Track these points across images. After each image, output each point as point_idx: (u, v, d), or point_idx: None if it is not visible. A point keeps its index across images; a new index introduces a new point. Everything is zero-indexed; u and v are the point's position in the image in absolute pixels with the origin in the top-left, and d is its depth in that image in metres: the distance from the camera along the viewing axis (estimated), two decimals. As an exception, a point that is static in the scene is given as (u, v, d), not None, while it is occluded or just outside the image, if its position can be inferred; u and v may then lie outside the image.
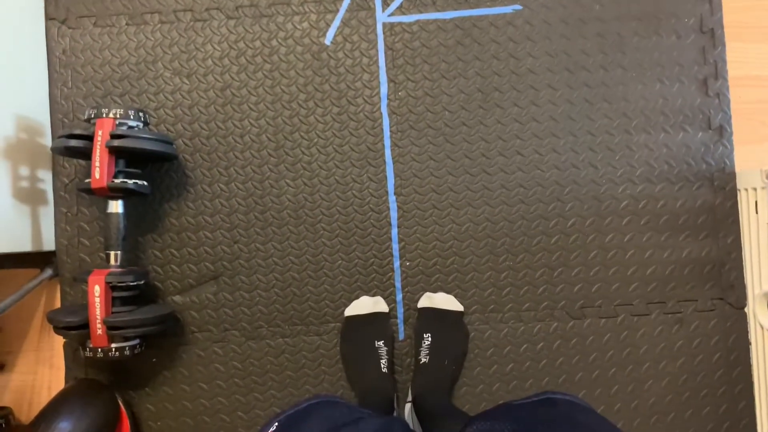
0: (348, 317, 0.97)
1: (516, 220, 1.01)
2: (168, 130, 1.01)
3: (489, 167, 1.01)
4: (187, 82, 1.01)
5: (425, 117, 1.01)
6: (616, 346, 0.99)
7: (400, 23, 1.02)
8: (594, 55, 1.01)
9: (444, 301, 0.98)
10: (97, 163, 0.86)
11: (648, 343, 0.99)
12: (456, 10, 1.02)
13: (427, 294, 0.99)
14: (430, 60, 1.02)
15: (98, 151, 0.86)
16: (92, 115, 0.88)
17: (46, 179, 0.99)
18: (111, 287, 0.86)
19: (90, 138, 0.86)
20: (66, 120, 1.01)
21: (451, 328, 0.96)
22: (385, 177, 1.01)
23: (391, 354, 0.95)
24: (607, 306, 1.00)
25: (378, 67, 1.01)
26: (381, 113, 1.01)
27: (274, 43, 1.02)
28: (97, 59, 1.01)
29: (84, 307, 0.86)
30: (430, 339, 0.95)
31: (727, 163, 1.01)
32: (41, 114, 0.99)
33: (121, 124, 0.88)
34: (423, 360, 0.94)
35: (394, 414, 0.87)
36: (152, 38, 1.01)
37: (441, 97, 1.01)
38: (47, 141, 0.99)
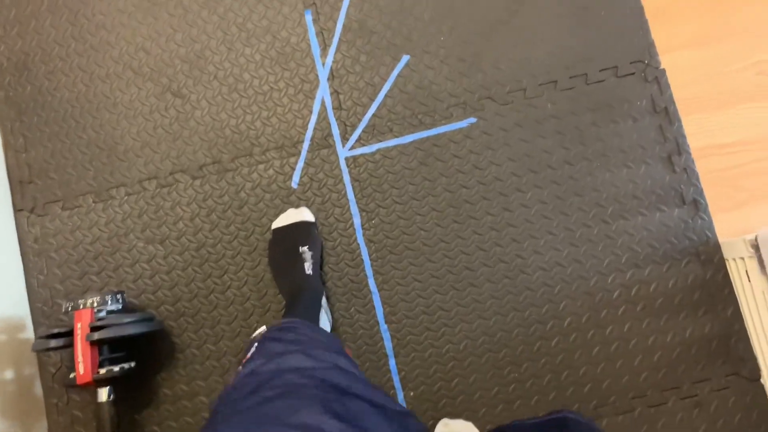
0: (274, 229, 1.02)
1: (512, 328, 1.02)
2: (149, 299, 1.03)
3: (475, 279, 1.03)
4: (161, 248, 1.05)
5: (402, 240, 1.05)
6: (639, 441, 0.99)
7: (362, 155, 1.07)
8: (556, 152, 1.06)
9: (462, 428, 0.98)
10: (80, 359, 0.88)
11: (671, 434, 0.99)
12: (413, 133, 1.07)
13: (444, 420, 0.99)
14: (397, 184, 1.06)
15: (80, 346, 0.88)
16: (69, 308, 0.90)
17: (32, 373, 1.00)
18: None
19: (70, 333, 0.89)
20: (45, 308, 1.03)
21: None
22: (373, 307, 1.03)
23: (317, 258, 0.99)
24: (622, 401, 1.00)
25: (348, 200, 1.06)
26: (358, 244, 1.05)
27: (242, 195, 1.06)
28: (69, 241, 1.05)
29: None
30: None
31: (709, 235, 1.04)
32: (20, 307, 1.01)
33: (99, 311, 0.91)
34: None
35: (321, 311, 0.94)
36: (120, 211, 1.05)
37: (414, 218, 1.05)
38: (29, 334, 1.01)
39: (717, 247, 1.03)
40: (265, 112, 1.08)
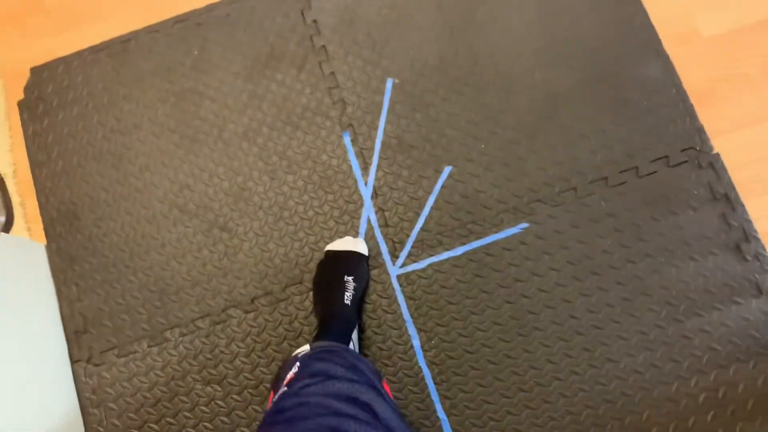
0: (327, 251, 1.04)
1: (594, 446, 0.97)
2: (211, 445, 1.02)
3: (548, 396, 1.00)
4: (219, 388, 1.04)
5: (466, 359, 1.02)
6: None
7: (413, 271, 1.06)
8: (616, 251, 1.04)
9: None
10: None
11: None
12: (464, 244, 1.06)
13: None
14: (454, 299, 1.04)
15: None
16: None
17: None
18: None
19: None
20: (108, 462, 1.02)
21: None
22: (443, 434, 1.00)
23: (359, 291, 1.00)
24: None
25: (404, 320, 1.04)
26: (420, 367, 1.02)
27: (296, 324, 1.05)
28: (127, 390, 1.05)
29: None
30: None
31: (794, 324, 0.99)
32: (83, 466, 1.01)
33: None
34: None
35: (350, 345, 0.93)
36: (176, 353, 1.06)
37: (476, 335, 1.03)
38: (93, 494, 1.00)
39: (805, 338, 0.98)
40: (312, 237, 1.08)
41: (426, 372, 1.02)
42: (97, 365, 1.06)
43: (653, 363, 0.99)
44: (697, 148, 1.06)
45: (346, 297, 0.98)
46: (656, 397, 0.98)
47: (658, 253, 1.03)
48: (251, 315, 1.06)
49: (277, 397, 0.57)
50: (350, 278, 1.00)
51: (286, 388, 0.58)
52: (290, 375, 0.62)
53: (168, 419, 1.03)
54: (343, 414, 0.50)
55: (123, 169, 1.14)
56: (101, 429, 1.04)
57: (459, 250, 1.06)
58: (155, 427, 1.03)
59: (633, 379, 0.99)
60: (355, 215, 1.09)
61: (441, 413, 1.00)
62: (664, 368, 0.99)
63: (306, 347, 0.71)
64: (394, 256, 1.07)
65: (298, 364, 0.64)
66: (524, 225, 1.06)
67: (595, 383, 0.99)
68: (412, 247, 1.07)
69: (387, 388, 0.69)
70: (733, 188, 1.04)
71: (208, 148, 1.13)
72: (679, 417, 0.97)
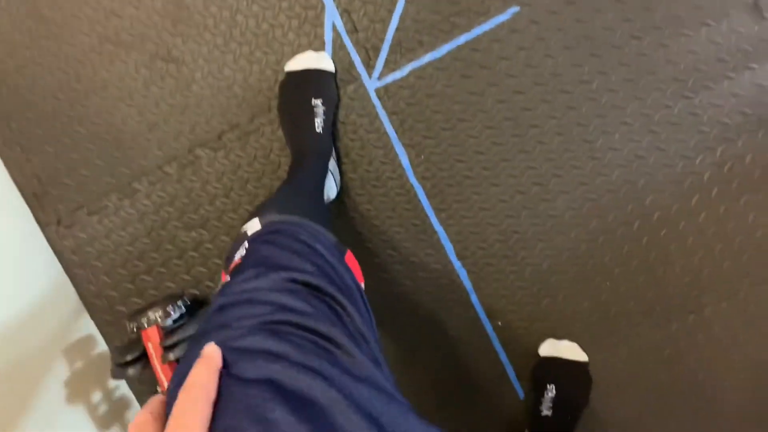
0: (288, 72, 0.94)
1: (596, 237, 0.97)
2: (209, 287, 1.01)
3: (547, 194, 0.97)
4: (205, 231, 1.00)
5: (458, 170, 0.97)
6: (742, 323, 0.97)
7: (393, 82, 0.96)
8: (619, 27, 0.92)
9: (569, 349, 0.98)
10: (162, 378, 0.88)
11: (781, 310, 0.97)
12: (448, 41, 0.94)
13: (551, 341, 0.99)
14: (441, 107, 0.96)
15: (158, 368, 0.88)
16: (134, 329, 0.89)
17: (123, 393, 1.03)
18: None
19: (144, 355, 0.88)
20: (108, 317, 1.03)
21: (576, 381, 0.97)
22: (443, 246, 0.99)
23: (330, 115, 0.93)
24: (724, 287, 0.97)
25: (389, 138, 0.97)
26: (411, 184, 0.98)
27: (272, 157, 0.98)
28: (108, 246, 1.01)
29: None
30: (554, 391, 0.96)
31: (811, 85, 0.92)
32: (83, 324, 1.01)
33: (165, 326, 0.89)
34: (545, 412, 0.96)
35: (329, 175, 0.89)
36: (150, 203, 1.00)
37: (468, 142, 0.96)
38: (102, 347, 1.02)
39: (821, 99, 0.92)
40: (272, 57, 0.96)
41: (418, 188, 0.98)
42: (68, 226, 1.01)
43: (658, 146, 0.95)
44: None
45: (316, 124, 0.89)
46: (660, 181, 0.95)
47: (665, 24, 0.92)
48: (221, 153, 0.98)
49: (220, 287, 0.51)
50: (318, 101, 0.90)
51: (229, 278, 0.52)
52: (236, 260, 0.55)
53: (159, 269, 1.01)
54: (280, 321, 0.43)
55: (31, 2, 0.96)
56: (92, 287, 1.02)
57: (442, 50, 0.94)
58: (147, 278, 1.02)
59: (636, 165, 0.95)
60: (317, 23, 0.95)
61: (437, 226, 0.98)
62: (669, 150, 0.95)
63: (255, 223, 0.62)
64: (370, 67, 0.95)
65: (246, 246, 0.57)
66: (514, 9, 0.93)
67: (597, 175, 0.96)
68: (389, 53, 0.95)
69: (353, 262, 0.62)
70: (757, -69, 0.89)
71: (127, -39, 0.94)
72: (683, 197, 0.96)
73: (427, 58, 0.94)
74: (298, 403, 0.35)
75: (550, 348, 0.98)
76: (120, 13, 0.95)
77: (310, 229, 0.60)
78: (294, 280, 0.49)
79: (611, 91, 0.94)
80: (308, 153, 0.89)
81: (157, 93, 0.97)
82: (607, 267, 0.98)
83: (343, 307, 0.50)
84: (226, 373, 0.37)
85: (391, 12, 0.94)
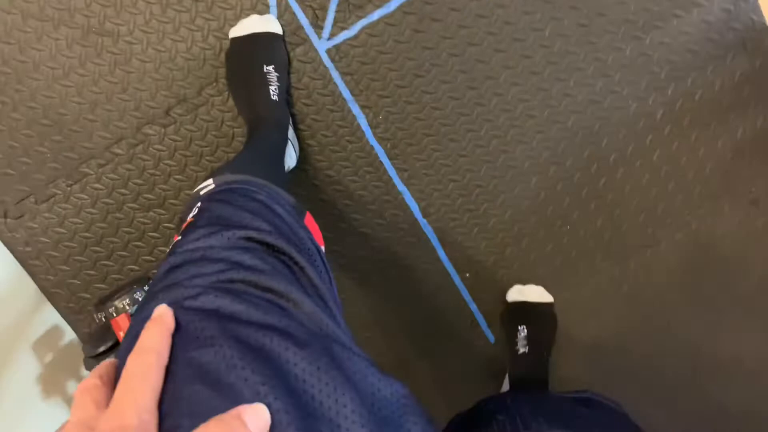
0: (233, 38, 0.89)
1: (555, 183, 1.00)
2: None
3: (506, 145, 0.98)
4: (164, 211, 0.98)
5: (417, 127, 0.97)
6: (695, 252, 1.03)
7: (344, 41, 0.93)
8: (568, -30, 0.91)
9: (535, 293, 1.01)
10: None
11: (731, 239, 1.02)
12: (397, -5, 0.91)
13: (517, 287, 1.02)
14: (395, 64, 0.94)
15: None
16: (102, 318, 0.88)
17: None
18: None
19: (117, 344, 0.88)
20: (72, 305, 1.01)
21: (544, 320, 1.01)
22: (407, 206, 1.00)
23: (284, 81, 0.89)
24: (678, 220, 1.02)
25: (344, 100, 0.95)
26: (372, 145, 0.97)
27: (225, 129, 0.95)
28: (63, 234, 0.98)
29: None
30: (525, 331, 1.00)
31: (755, 18, 0.94)
32: (49, 316, 0.99)
33: (134, 314, 0.88)
34: (522, 350, 1.01)
35: (288, 144, 0.87)
36: (102, 186, 0.97)
37: (424, 99, 0.95)
38: (71, 336, 1.01)
39: (764, 31, 0.94)
40: (214, 23, 0.91)
41: (378, 149, 0.97)
42: (17, 218, 0.97)
43: (611, 89, 0.96)
44: None
45: (271, 92, 0.86)
46: (615, 123, 0.97)
47: (615, -37, 0.91)
48: (171, 128, 0.95)
49: (171, 247, 0.49)
50: (270, 67, 0.87)
51: (179, 237, 0.49)
52: (189, 219, 0.52)
53: (119, 253, 0.99)
54: (234, 279, 0.42)
55: (-61, -23, 0.88)
56: (51, 277, 1.00)
57: (392, 5, 0.91)
58: (108, 263, 1.00)
59: (591, 110, 0.97)
60: (259, -17, 0.90)
61: (400, 186, 0.99)
62: (623, 92, 0.96)
63: (210, 183, 0.59)
64: (318, 27, 0.92)
65: (198, 205, 0.53)
66: (462, -43, 0.90)
67: (553, 122, 0.97)
68: (337, 11, 0.92)
69: (313, 224, 0.59)
70: None
71: (41, -75, 0.86)
72: (637, 137, 0.98)
73: (378, 14, 0.91)
74: (255, 361, 0.34)
75: (516, 294, 1.02)
76: (41, -16, 0.88)
77: (267, 189, 0.58)
78: (249, 239, 0.47)
79: (563, 36, 0.94)
80: (265, 122, 0.86)
81: (95, 70, 0.92)
82: (567, 211, 1.01)
83: (301, 267, 0.48)
84: (178, 334, 0.36)
85: (335, -33, 0.90)
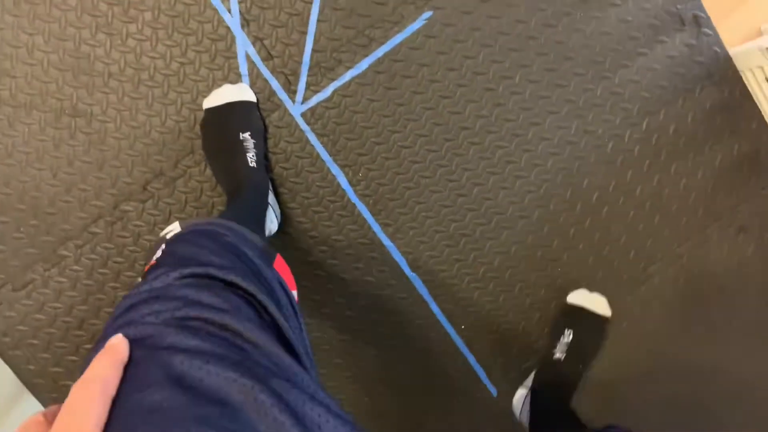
0: (207, 109, 0.90)
1: (541, 226, 1.00)
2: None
3: (488, 192, 0.98)
4: (146, 288, 0.96)
5: (398, 182, 0.97)
6: (689, 284, 1.02)
7: (318, 104, 0.94)
8: (532, 17, 0.94)
9: (597, 302, 0.98)
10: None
11: (721, 267, 1.02)
12: (367, 56, 0.93)
13: (582, 290, 0.99)
14: (370, 122, 0.95)
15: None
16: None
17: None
18: None
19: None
20: (54, 396, 0.97)
21: (594, 332, 0.97)
22: (394, 260, 0.99)
23: (261, 147, 0.90)
24: (668, 254, 1.02)
25: (323, 161, 0.95)
26: (353, 203, 0.97)
27: (204, 198, 0.95)
28: (42, 321, 0.96)
29: None
30: (570, 336, 0.96)
31: (718, 50, 0.97)
32: (30, 408, 0.96)
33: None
34: (557, 355, 0.96)
35: (269, 207, 0.87)
36: (81, 267, 0.95)
37: (402, 153, 0.96)
38: (54, 428, 0.97)
39: (729, 61, 0.97)
40: (187, 95, 0.92)
41: (361, 206, 0.97)
42: (-5, 307, 0.94)
43: (586, 129, 0.98)
44: None
45: (249, 159, 0.87)
46: (593, 162, 0.98)
47: (575, 8, 0.94)
48: (149, 203, 0.94)
49: (134, 288, 0.48)
50: (246, 134, 0.88)
51: (140, 280, 0.47)
52: (152, 261, 0.51)
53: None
54: (190, 317, 0.41)
55: None
56: (32, 367, 0.97)
57: (362, 65, 0.93)
58: (91, 345, 0.97)
59: (569, 150, 0.98)
60: (229, 54, 0.92)
61: (386, 241, 0.98)
62: (598, 131, 0.98)
63: (176, 226, 0.58)
64: (291, 92, 0.93)
65: (162, 247, 0.52)
66: (428, 14, 0.93)
67: (533, 166, 0.98)
68: (309, 75, 0.93)
69: (283, 268, 0.58)
70: None
71: (11, 16, 0.88)
72: (617, 174, 0.99)
73: (349, 75, 0.93)
74: (205, 400, 0.33)
75: (579, 297, 0.98)
76: (13, 72, 0.89)
77: (235, 231, 0.56)
78: (211, 276, 0.46)
79: (533, 82, 0.96)
80: (245, 188, 0.85)
81: (69, 151, 0.92)
82: (556, 253, 1.00)
83: (264, 307, 0.47)
84: (129, 369, 0.35)
85: (304, 33, 0.92)
